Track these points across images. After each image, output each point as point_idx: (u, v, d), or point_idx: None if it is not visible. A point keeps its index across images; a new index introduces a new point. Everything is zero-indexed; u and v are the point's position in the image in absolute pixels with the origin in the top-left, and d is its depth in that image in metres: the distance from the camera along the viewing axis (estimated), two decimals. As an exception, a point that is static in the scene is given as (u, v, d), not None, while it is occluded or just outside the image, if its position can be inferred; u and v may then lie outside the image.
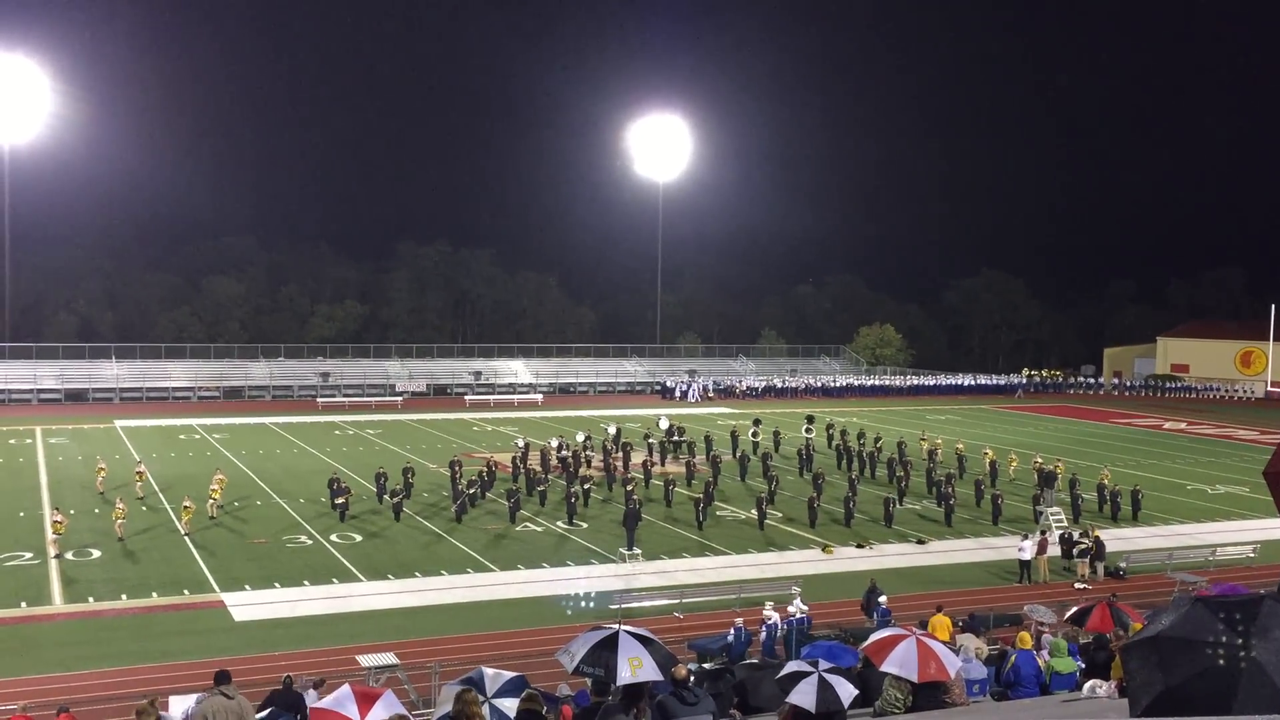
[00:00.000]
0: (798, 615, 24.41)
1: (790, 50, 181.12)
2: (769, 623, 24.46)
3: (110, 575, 30.50)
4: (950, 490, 40.36)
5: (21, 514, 37.82)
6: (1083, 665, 16.03)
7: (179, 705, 17.41)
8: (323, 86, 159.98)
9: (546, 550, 34.25)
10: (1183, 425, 72.47)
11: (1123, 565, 32.90)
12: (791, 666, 11.52)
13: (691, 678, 10.58)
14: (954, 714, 11.22)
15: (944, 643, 13.78)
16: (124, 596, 28.61)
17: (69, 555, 32.19)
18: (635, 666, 10.35)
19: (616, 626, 11.19)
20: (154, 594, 28.83)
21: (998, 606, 27.68)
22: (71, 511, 36.85)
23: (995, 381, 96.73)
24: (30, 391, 73.69)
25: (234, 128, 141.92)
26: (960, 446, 51.83)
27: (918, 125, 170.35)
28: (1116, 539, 35.84)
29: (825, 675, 10.51)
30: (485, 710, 12.37)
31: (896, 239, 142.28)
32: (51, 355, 79.36)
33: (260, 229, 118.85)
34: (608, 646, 10.68)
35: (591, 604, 28.08)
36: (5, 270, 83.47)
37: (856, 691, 10.95)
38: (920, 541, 36.63)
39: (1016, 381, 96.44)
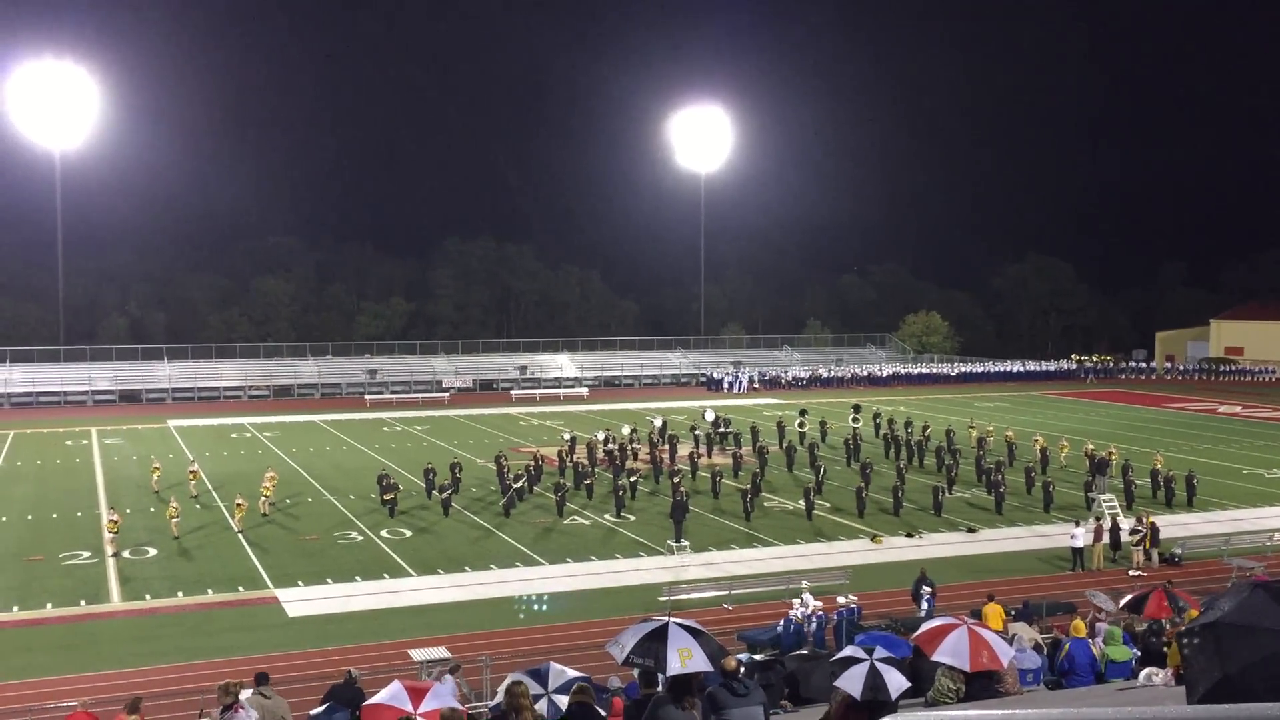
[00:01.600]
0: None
1: (831, 38, 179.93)
2: (818, 613, 24.34)
3: (166, 573, 30.97)
4: (1000, 478, 39.98)
5: (79, 514, 38.49)
6: (1138, 653, 15.84)
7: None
8: (366, 85, 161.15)
9: (595, 543, 34.34)
10: (1238, 409, 71.30)
11: (1178, 551, 32.45)
12: (846, 652, 11.51)
13: (742, 669, 10.55)
14: (1007, 703, 11.12)
15: (996, 632, 13.67)
16: (180, 594, 29.03)
17: (126, 554, 32.72)
18: (685, 658, 10.34)
19: (666, 618, 11.20)
20: (209, 591, 29.24)
21: (1051, 595, 27.40)
22: (127, 510, 37.46)
23: (1046, 368, 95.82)
24: (86, 393, 74.97)
25: (279, 129, 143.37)
26: (1010, 434, 51.33)
27: (962, 110, 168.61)
28: (1171, 525, 35.35)
29: (878, 664, 10.46)
30: (544, 704, 12.46)
31: (942, 226, 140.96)
32: (105, 357, 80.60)
33: (306, 229, 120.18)
34: (657, 638, 10.68)
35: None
36: (59, 274, 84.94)
37: (908, 684, 10.87)
38: (971, 530, 36.33)
39: (1086, 367, 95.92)
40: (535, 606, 26.65)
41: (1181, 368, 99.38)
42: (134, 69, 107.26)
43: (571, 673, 14.43)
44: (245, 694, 14.19)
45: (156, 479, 42.45)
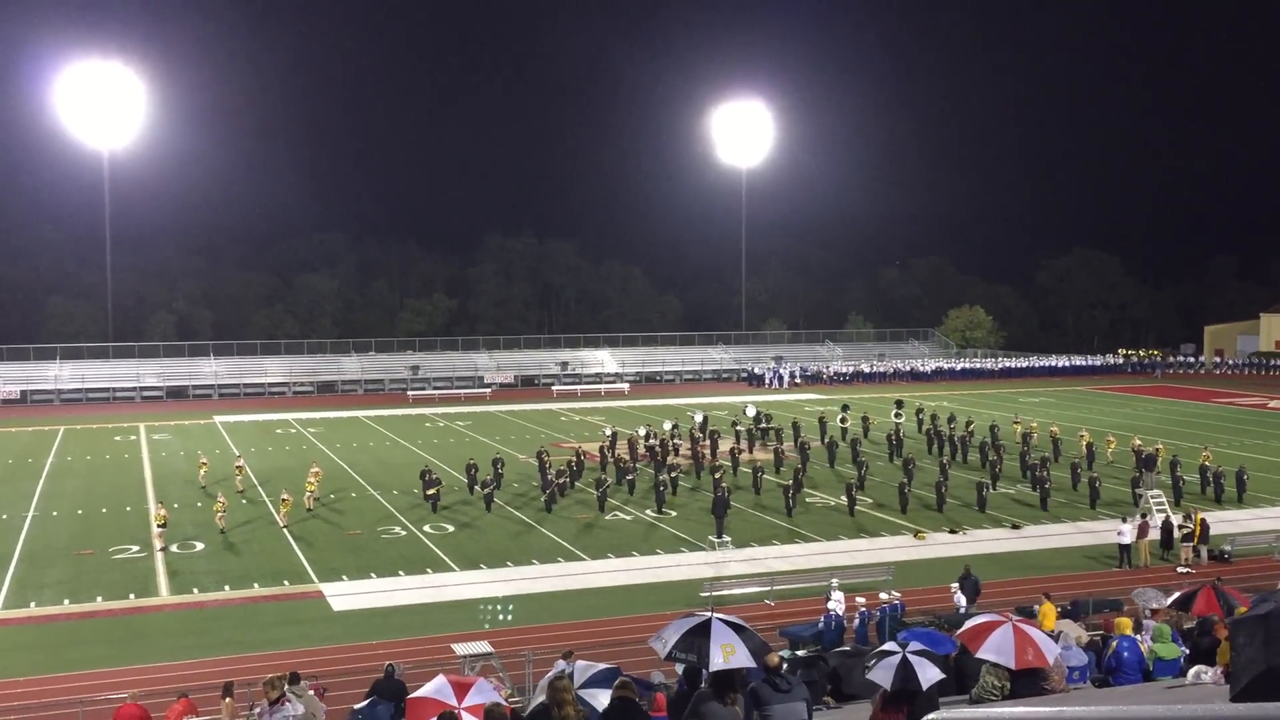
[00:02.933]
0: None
1: (872, 32, 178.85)
2: (860, 610, 24.23)
3: (213, 567, 31.34)
4: (1045, 474, 39.58)
5: (128, 509, 39.02)
6: (1187, 651, 15.61)
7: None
8: (407, 83, 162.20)
9: (636, 539, 34.37)
10: (1289, 404, 70.09)
11: (1227, 548, 31.98)
12: (883, 647, 11.49)
13: (784, 665, 10.54)
14: (1053, 701, 11.01)
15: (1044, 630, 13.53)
16: (227, 587, 29.36)
17: (174, 548, 33.13)
18: (728, 653, 10.34)
19: (709, 614, 11.19)
20: (255, 585, 29.55)
21: (1097, 591, 27.11)
22: (175, 505, 37.95)
23: (1092, 362, 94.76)
24: (134, 389, 76.03)
25: (322, 127, 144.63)
26: (1055, 429, 50.79)
27: (1005, 102, 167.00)
28: (1221, 521, 34.85)
29: (910, 656, 10.45)
30: None
31: (985, 219, 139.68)
32: (153, 354, 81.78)
33: (349, 226, 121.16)
34: (700, 633, 10.69)
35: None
36: (108, 272, 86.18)
37: (941, 675, 10.81)
38: (1015, 526, 36.02)
39: (1153, 361, 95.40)
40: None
41: (1231, 362, 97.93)
42: (180, 69, 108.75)
43: (597, 666, 14.39)
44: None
45: (204, 474, 42.96)
